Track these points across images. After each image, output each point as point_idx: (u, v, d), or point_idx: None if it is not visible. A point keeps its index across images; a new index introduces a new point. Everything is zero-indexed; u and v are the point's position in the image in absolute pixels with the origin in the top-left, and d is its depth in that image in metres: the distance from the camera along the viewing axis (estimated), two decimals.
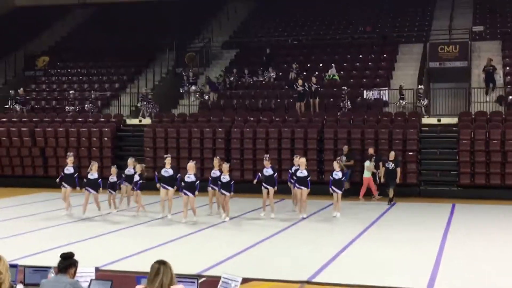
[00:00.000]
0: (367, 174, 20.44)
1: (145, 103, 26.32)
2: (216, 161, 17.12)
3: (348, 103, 24.36)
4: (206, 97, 26.99)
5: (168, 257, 5.81)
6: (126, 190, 18.15)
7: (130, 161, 18.15)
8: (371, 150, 21.13)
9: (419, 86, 24.29)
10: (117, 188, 18.03)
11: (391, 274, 10.50)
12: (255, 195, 19.80)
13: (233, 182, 16.43)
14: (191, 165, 16.20)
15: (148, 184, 17.90)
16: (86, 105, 27.27)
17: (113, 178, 17.70)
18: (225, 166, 16.50)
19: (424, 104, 24.10)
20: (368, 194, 20.61)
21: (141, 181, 17.10)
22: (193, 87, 27.78)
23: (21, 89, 29.10)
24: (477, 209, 19.12)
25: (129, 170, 17.93)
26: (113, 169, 18.04)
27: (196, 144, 23.90)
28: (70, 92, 28.45)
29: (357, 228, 15.11)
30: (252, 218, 16.97)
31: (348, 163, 21.36)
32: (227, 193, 16.30)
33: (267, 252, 12.58)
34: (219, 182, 16.38)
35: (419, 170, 22.20)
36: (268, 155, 17.88)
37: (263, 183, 16.90)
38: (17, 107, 28.13)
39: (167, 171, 16.57)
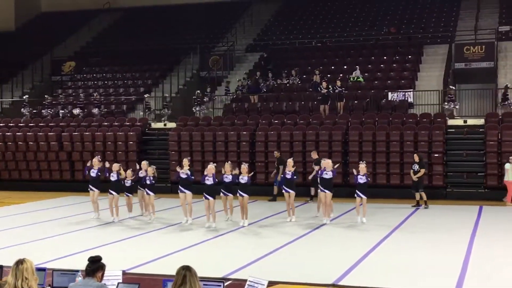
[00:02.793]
0: (509, 177, 19.98)
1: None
2: (227, 166, 16.44)
3: None
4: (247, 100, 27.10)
5: (193, 260, 5.85)
6: (143, 194, 17.75)
7: (144, 163, 17.92)
8: (314, 154, 20.28)
9: (450, 87, 24.19)
10: (134, 192, 17.81)
11: (417, 278, 10.41)
12: (280, 198, 19.80)
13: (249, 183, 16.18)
14: (210, 168, 15.93)
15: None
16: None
17: (128, 182, 17.55)
18: (244, 167, 16.25)
19: (454, 107, 23.81)
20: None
21: (153, 182, 16.96)
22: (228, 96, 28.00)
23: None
24: (504, 211, 18.88)
25: (142, 172, 17.72)
26: (129, 172, 17.80)
27: (220, 147, 23.92)
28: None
29: (383, 231, 14.99)
30: (275, 221, 16.86)
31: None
32: (245, 195, 16.00)
33: (292, 255, 12.54)
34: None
35: (445, 172, 21.98)
36: (292, 158, 17.59)
37: (284, 187, 16.75)
38: (44, 112, 28.56)
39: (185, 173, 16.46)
